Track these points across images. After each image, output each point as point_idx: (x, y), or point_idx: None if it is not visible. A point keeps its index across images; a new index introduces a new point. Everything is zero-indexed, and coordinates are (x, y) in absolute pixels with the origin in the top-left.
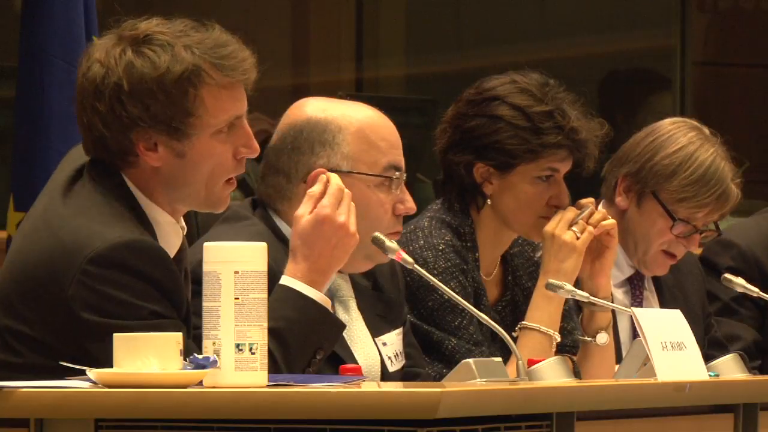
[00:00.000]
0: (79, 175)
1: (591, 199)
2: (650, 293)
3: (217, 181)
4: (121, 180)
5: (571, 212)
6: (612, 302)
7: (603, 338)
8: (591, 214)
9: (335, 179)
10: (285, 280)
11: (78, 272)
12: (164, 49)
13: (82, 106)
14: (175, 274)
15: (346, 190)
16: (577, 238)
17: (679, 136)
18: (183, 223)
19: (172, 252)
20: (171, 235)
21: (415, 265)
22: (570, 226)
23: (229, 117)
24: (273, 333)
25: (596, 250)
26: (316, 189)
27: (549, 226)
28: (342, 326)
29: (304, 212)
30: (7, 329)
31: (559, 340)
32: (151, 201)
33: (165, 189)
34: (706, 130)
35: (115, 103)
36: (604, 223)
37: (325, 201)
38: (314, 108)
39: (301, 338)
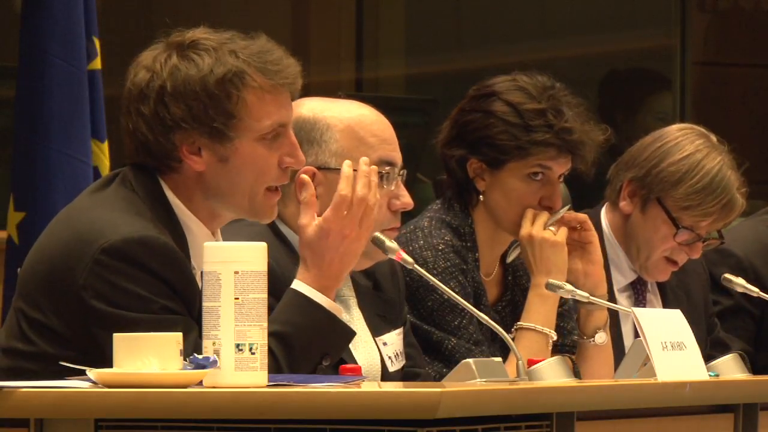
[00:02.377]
0: (113, 179)
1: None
2: (653, 296)
3: (258, 189)
4: (156, 183)
5: (544, 215)
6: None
7: (602, 338)
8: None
9: (344, 182)
10: (296, 284)
11: (91, 262)
12: (208, 53)
13: (128, 110)
14: (187, 276)
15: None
16: (554, 234)
17: (686, 143)
18: (220, 237)
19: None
20: (203, 245)
21: (415, 265)
22: (545, 227)
23: (273, 123)
24: (278, 337)
25: (580, 247)
26: (306, 196)
27: (523, 229)
28: (352, 334)
29: (307, 222)
30: (24, 315)
31: (555, 338)
32: (189, 208)
33: (206, 196)
34: (714, 138)
35: (158, 105)
36: (573, 215)
37: (328, 213)
38: (306, 108)
39: (307, 344)
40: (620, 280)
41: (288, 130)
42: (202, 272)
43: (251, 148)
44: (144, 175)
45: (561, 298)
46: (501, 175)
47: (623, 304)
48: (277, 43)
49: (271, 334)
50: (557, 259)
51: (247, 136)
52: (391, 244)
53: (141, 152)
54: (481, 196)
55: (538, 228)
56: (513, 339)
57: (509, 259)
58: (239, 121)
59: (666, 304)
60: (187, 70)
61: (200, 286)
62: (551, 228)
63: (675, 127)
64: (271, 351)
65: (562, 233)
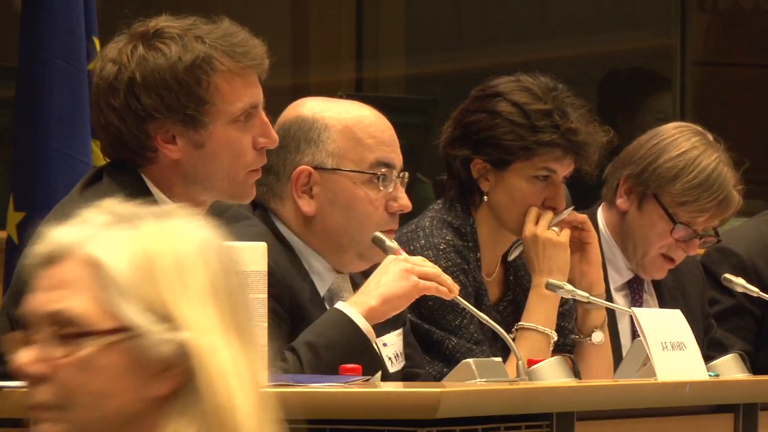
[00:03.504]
0: (99, 176)
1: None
2: (650, 296)
3: (238, 172)
4: (138, 177)
5: (549, 214)
6: (610, 302)
7: (599, 337)
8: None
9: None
10: (340, 304)
11: None
12: (174, 40)
13: (98, 106)
14: None
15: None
16: (557, 234)
17: (682, 140)
18: None
19: None
20: None
21: None
22: (549, 226)
23: (245, 105)
24: (309, 345)
25: (579, 247)
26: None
27: (527, 229)
28: (379, 366)
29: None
30: (15, 321)
31: (555, 338)
32: (171, 201)
33: (185, 183)
34: (710, 136)
35: (129, 97)
36: (574, 215)
37: (416, 259)
38: (307, 107)
39: (336, 360)
40: (617, 279)
41: (259, 110)
42: None
43: (225, 132)
44: (126, 172)
45: (562, 297)
46: (505, 175)
47: (620, 302)
48: (239, 25)
49: (305, 343)
50: (559, 259)
51: (220, 120)
52: (392, 243)
53: (116, 146)
54: (485, 197)
55: (542, 228)
56: (513, 339)
57: (511, 257)
58: (211, 106)
59: (662, 305)
60: (155, 59)
61: None
62: (554, 228)
63: (671, 125)
64: (300, 360)
65: (565, 234)
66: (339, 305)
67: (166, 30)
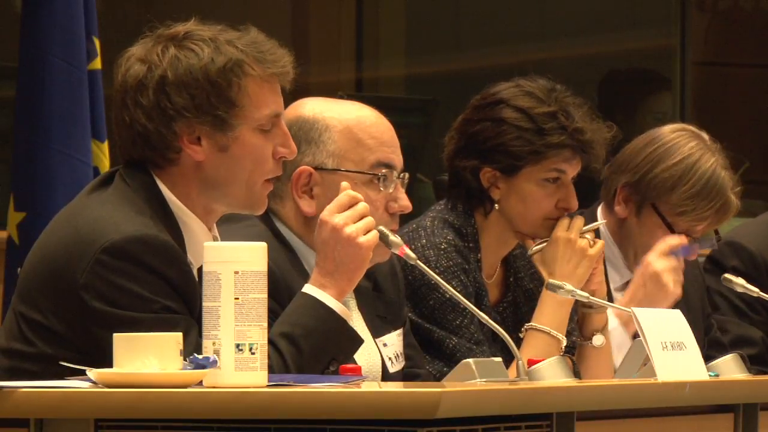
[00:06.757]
0: (111, 177)
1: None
2: None
3: (257, 180)
4: (152, 180)
5: (579, 220)
6: (610, 302)
7: (599, 340)
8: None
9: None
10: (307, 287)
11: (92, 261)
12: (206, 43)
13: (123, 103)
14: (188, 274)
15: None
16: (590, 246)
17: (679, 146)
18: (216, 233)
19: (201, 258)
20: (201, 241)
21: (418, 261)
22: (581, 234)
23: (271, 112)
24: (289, 339)
25: None
26: (343, 198)
27: (560, 231)
28: (360, 341)
29: (325, 216)
30: (23, 316)
31: (565, 344)
32: (185, 205)
33: (204, 187)
34: (706, 136)
35: (159, 95)
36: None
37: (338, 214)
38: (308, 108)
39: (317, 347)
40: (617, 279)
41: (281, 120)
42: (199, 269)
43: (250, 138)
44: (139, 173)
45: (576, 302)
46: (516, 181)
47: (620, 302)
48: (266, 36)
49: (281, 335)
50: (582, 271)
51: (247, 125)
52: (395, 238)
53: (139, 144)
54: (496, 205)
55: (575, 233)
56: (521, 338)
57: (531, 253)
58: (240, 109)
59: None
60: (187, 59)
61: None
62: (587, 236)
63: (668, 129)
64: (280, 352)
65: (599, 249)
66: (308, 289)
67: (197, 33)
